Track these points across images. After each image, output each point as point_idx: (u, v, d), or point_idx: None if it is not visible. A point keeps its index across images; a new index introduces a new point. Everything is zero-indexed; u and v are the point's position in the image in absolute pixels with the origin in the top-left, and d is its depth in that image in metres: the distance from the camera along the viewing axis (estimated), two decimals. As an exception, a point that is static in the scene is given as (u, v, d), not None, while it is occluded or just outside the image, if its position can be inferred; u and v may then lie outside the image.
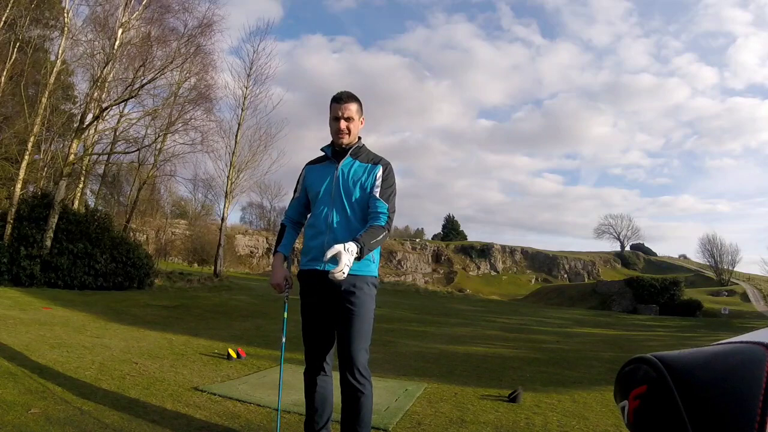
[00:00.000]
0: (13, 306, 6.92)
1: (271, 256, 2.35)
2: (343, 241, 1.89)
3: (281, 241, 2.25)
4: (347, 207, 2.08)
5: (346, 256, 1.77)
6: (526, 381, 4.41)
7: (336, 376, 2.11)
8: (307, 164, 2.30)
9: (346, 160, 2.14)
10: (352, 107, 2.12)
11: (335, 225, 2.07)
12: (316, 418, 2.12)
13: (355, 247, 1.83)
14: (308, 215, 2.27)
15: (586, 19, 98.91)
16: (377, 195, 2.10)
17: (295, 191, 2.30)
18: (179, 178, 19.38)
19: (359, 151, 2.17)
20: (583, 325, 14.93)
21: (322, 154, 2.24)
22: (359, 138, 2.20)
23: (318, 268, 2.06)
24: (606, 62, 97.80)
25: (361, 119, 2.19)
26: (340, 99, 2.11)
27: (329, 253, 1.78)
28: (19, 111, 11.86)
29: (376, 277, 2.13)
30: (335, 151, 2.17)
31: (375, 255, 2.12)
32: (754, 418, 0.40)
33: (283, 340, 2.25)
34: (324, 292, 2.05)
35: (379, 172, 2.13)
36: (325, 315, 2.08)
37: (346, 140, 2.13)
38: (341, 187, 2.09)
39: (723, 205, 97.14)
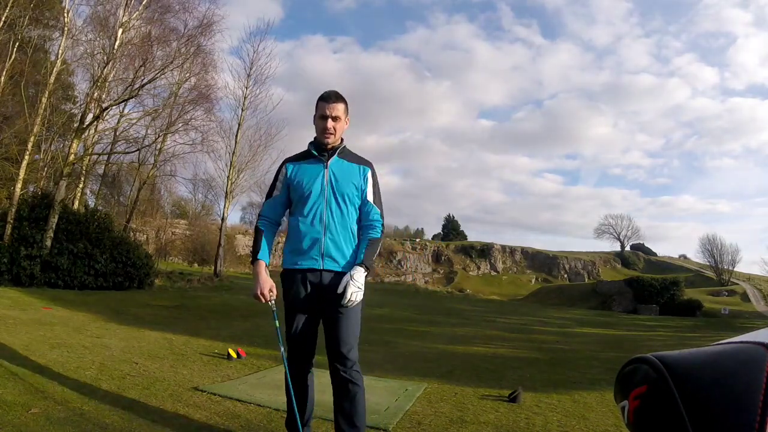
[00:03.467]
0: (13, 306, 6.92)
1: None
2: (341, 240, 2.08)
3: (260, 248, 2.15)
4: (341, 206, 2.10)
5: (354, 285, 1.98)
6: (526, 381, 4.40)
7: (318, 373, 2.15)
8: (287, 160, 2.22)
9: (335, 159, 2.14)
10: (340, 107, 2.12)
11: (331, 224, 2.08)
12: (300, 416, 2.11)
13: (363, 272, 2.04)
14: (285, 215, 2.26)
15: (586, 19, 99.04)
16: (371, 200, 2.17)
17: (273, 189, 2.21)
18: (179, 178, 19.48)
19: (345, 152, 2.19)
20: (583, 325, 14.94)
21: (303, 150, 2.21)
22: (342, 139, 2.21)
23: (316, 267, 2.06)
24: (606, 62, 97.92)
25: (347, 119, 2.19)
26: (328, 98, 2.11)
27: (349, 293, 1.96)
28: (19, 111, 11.86)
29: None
30: (320, 150, 2.15)
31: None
32: (754, 419, 0.40)
33: (282, 349, 2.13)
34: (315, 290, 2.07)
35: (369, 174, 2.18)
36: (315, 313, 2.09)
37: (331, 140, 2.12)
38: (334, 187, 2.10)
39: (723, 205, 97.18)
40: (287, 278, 2.12)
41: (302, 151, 2.22)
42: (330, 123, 2.09)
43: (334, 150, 2.15)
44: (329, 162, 2.13)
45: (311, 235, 2.07)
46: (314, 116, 2.16)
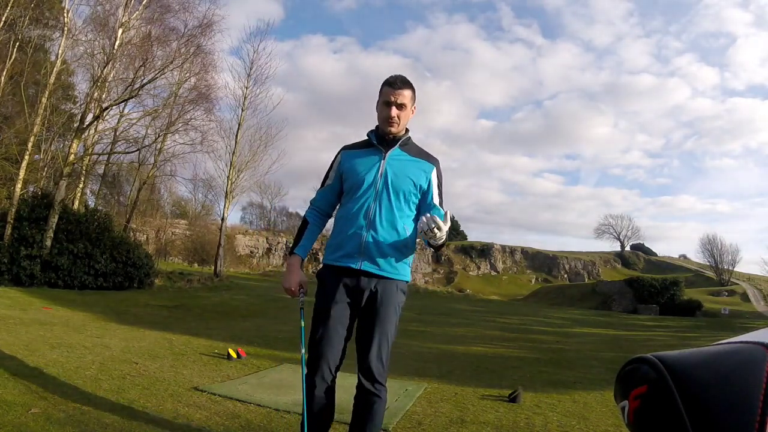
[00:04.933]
0: (13, 306, 6.92)
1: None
2: (386, 239, 1.87)
3: (301, 241, 2.02)
4: (393, 202, 1.91)
5: (446, 226, 1.76)
6: (526, 381, 4.40)
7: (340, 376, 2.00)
8: (344, 148, 2.05)
9: (395, 150, 1.96)
10: (407, 94, 1.93)
11: (378, 221, 1.89)
12: (318, 424, 1.94)
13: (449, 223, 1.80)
14: (338, 206, 2.09)
15: (586, 19, 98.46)
16: (437, 203, 1.99)
17: (326, 178, 2.06)
18: (179, 178, 19.44)
19: (408, 143, 2.01)
20: (583, 325, 14.93)
21: (364, 138, 2.03)
22: (407, 129, 2.02)
23: (353, 266, 1.87)
24: (606, 62, 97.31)
25: (413, 108, 2.00)
26: (394, 83, 1.92)
27: (445, 226, 1.73)
28: (19, 111, 11.87)
29: (407, 282, 2.00)
30: (381, 140, 1.98)
31: (411, 258, 2.01)
32: (754, 418, 0.40)
33: (303, 351, 1.97)
34: (352, 294, 1.90)
35: (434, 173, 2.00)
36: (347, 320, 1.91)
37: (395, 129, 1.94)
38: (389, 181, 1.91)
39: (723, 205, 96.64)
40: (322, 276, 1.96)
41: (362, 139, 2.05)
42: (394, 111, 1.91)
43: (395, 140, 1.97)
44: (388, 153, 1.95)
45: (353, 230, 1.89)
46: (377, 102, 1.99)
